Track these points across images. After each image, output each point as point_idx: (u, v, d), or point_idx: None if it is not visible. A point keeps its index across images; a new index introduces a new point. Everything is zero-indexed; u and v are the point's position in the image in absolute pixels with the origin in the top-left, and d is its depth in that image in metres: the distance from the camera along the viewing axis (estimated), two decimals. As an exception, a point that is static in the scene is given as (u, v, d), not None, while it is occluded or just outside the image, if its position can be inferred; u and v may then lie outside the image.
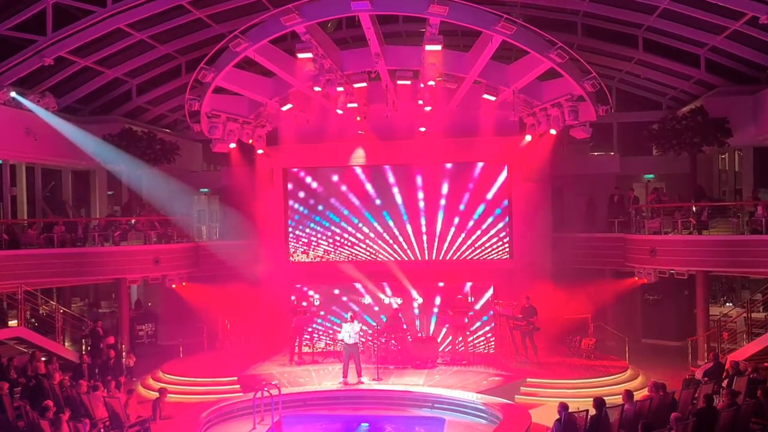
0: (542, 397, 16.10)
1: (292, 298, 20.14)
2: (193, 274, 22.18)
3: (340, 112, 18.91)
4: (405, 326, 19.61)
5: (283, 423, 14.33)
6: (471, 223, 20.95)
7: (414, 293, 20.28)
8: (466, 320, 19.34)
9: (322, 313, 20.55)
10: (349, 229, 21.48)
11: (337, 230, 21.54)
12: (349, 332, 17.04)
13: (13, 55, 18.16)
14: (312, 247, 21.69)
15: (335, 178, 21.51)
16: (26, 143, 19.96)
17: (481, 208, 20.93)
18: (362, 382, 16.87)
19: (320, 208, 21.58)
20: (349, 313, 18.06)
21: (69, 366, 17.40)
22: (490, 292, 20.29)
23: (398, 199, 21.24)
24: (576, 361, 18.49)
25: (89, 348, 18.79)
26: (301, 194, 21.73)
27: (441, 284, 20.50)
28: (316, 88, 16.86)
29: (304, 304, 19.84)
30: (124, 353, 19.61)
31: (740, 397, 12.20)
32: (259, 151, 21.10)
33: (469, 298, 19.95)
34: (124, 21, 17.92)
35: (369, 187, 21.37)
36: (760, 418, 11.73)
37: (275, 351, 19.73)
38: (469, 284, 20.30)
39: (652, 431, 10.25)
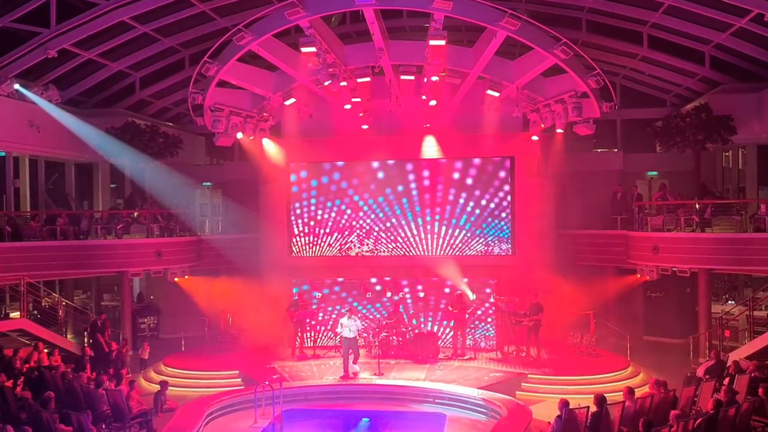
0: (543, 393, 16.11)
1: (295, 290, 20.20)
2: (195, 267, 22.22)
3: (348, 107, 18.88)
4: (406, 321, 19.67)
5: (284, 417, 14.36)
6: (474, 219, 20.93)
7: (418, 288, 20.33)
8: (468, 316, 19.36)
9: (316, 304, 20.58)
10: (351, 223, 21.48)
11: (339, 225, 21.54)
12: (348, 327, 17.10)
13: (17, 47, 18.20)
14: (313, 241, 21.69)
15: (337, 173, 21.49)
16: (29, 135, 20.01)
17: (483, 204, 20.90)
18: (357, 372, 16.98)
19: (322, 202, 21.56)
20: (347, 308, 18.14)
21: (72, 358, 17.44)
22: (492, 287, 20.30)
23: (401, 194, 21.22)
24: (577, 357, 18.48)
25: (90, 340, 18.79)
26: (304, 189, 21.72)
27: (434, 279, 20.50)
28: (326, 83, 16.83)
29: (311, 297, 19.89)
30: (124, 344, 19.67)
31: (740, 396, 12.20)
32: (264, 141, 21.06)
33: (471, 294, 19.92)
34: (127, 14, 17.94)
35: (371, 182, 21.35)
36: (761, 416, 11.73)
37: (277, 345, 19.75)
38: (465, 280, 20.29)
39: (652, 428, 10.25)
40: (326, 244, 21.62)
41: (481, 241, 21.03)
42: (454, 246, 21.11)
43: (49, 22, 17.74)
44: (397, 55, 17.16)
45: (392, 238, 21.33)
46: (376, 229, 21.34)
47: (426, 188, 21.13)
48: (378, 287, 20.43)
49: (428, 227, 21.19)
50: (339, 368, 17.44)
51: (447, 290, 20.14)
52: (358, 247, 20.31)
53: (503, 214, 20.91)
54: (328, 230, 21.60)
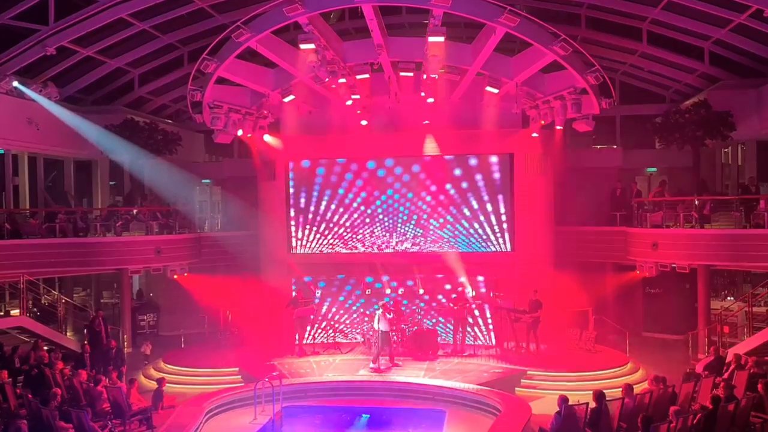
0: (543, 389, 16.14)
1: (309, 284, 20.23)
2: (194, 264, 22.22)
3: (349, 103, 18.88)
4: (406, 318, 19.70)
5: (284, 414, 14.38)
6: (473, 215, 20.93)
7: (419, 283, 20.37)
8: (472, 312, 19.40)
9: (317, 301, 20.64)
10: (350, 220, 21.48)
11: (339, 222, 21.55)
12: (381, 320, 17.40)
13: (16, 45, 18.17)
14: (313, 238, 21.70)
15: (337, 169, 21.49)
16: (29, 133, 19.99)
17: (483, 200, 20.90)
18: (374, 368, 17.18)
19: (321, 199, 21.56)
20: (380, 302, 18.40)
21: (71, 355, 17.44)
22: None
23: (400, 191, 21.23)
24: (576, 353, 18.51)
25: (89, 337, 18.77)
26: (303, 185, 21.72)
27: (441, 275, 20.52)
28: (326, 79, 16.83)
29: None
30: (125, 342, 19.67)
31: (740, 392, 12.22)
32: (265, 137, 21.05)
33: (470, 290, 19.94)
34: (126, 11, 17.91)
35: (371, 179, 21.35)
36: (760, 412, 11.75)
37: (276, 342, 19.77)
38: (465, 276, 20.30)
39: (651, 424, 10.27)
40: (326, 241, 21.64)
41: (480, 237, 21.03)
42: (453, 243, 21.10)
43: (47, 19, 17.71)
44: (396, 51, 17.13)
45: (391, 234, 21.33)
46: (374, 225, 21.37)
47: (425, 185, 21.11)
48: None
49: (427, 224, 21.19)
50: (338, 365, 17.53)
51: (447, 287, 20.16)
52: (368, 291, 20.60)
53: (502, 211, 20.90)
54: (327, 227, 21.61)
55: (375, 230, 21.43)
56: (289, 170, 21.73)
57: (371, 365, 17.39)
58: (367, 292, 20.49)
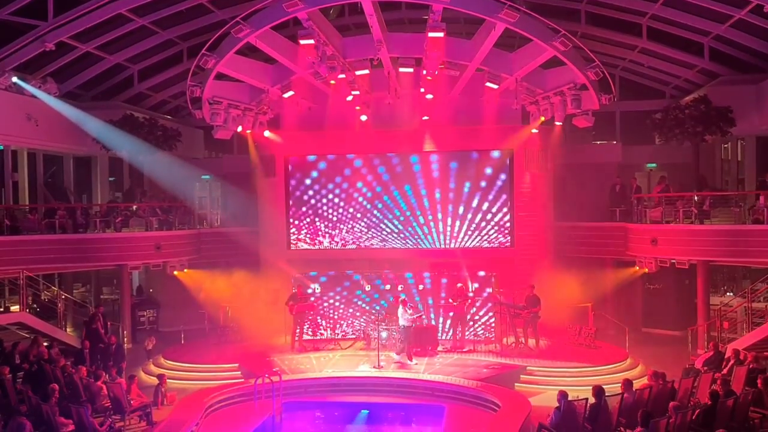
0: (542, 385, 16.13)
1: (310, 286, 20.21)
2: (194, 260, 22.22)
3: (349, 99, 18.86)
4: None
5: (284, 409, 14.40)
6: (472, 212, 20.95)
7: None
8: (472, 308, 19.39)
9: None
10: (349, 217, 21.48)
11: (338, 218, 21.55)
12: (403, 316, 17.38)
13: (15, 40, 18.12)
14: (312, 235, 21.69)
15: (336, 166, 21.48)
16: (28, 129, 19.96)
17: (482, 197, 20.90)
18: (399, 362, 17.14)
19: (320, 195, 21.56)
20: (399, 298, 18.32)
21: (71, 351, 17.46)
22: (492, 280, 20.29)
23: (399, 187, 21.23)
24: (576, 349, 18.52)
25: (88, 333, 18.75)
26: (302, 182, 21.71)
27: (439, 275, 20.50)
28: (325, 75, 16.82)
29: (310, 290, 19.84)
30: (125, 338, 19.67)
31: (739, 387, 12.24)
32: (266, 134, 21.03)
33: (470, 286, 19.93)
34: (125, 6, 17.88)
35: (369, 175, 21.35)
36: (759, 407, 11.77)
37: (276, 338, 19.77)
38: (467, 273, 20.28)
39: (651, 420, 10.28)
40: (324, 238, 21.63)
41: (480, 233, 21.04)
42: (453, 239, 21.11)
43: (46, 14, 17.67)
44: (395, 47, 17.12)
45: (391, 230, 21.33)
46: (374, 222, 21.37)
47: (424, 181, 21.12)
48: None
49: (427, 220, 21.19)
50: (337, 361, 17.51)
51: (446, 281, 20.14)
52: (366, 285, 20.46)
53: (502, 207, 20.91)
54: (326, 224, 21.61)
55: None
56: (289, 166, 21.72)
57: (403, 361, 17.33)
58: (366, 289, 20.44)
